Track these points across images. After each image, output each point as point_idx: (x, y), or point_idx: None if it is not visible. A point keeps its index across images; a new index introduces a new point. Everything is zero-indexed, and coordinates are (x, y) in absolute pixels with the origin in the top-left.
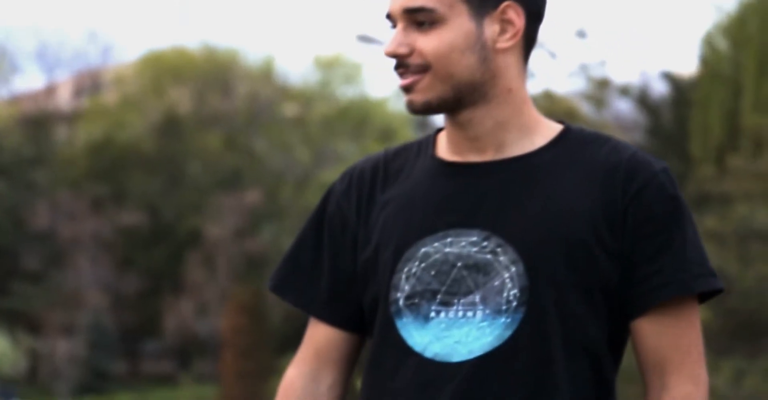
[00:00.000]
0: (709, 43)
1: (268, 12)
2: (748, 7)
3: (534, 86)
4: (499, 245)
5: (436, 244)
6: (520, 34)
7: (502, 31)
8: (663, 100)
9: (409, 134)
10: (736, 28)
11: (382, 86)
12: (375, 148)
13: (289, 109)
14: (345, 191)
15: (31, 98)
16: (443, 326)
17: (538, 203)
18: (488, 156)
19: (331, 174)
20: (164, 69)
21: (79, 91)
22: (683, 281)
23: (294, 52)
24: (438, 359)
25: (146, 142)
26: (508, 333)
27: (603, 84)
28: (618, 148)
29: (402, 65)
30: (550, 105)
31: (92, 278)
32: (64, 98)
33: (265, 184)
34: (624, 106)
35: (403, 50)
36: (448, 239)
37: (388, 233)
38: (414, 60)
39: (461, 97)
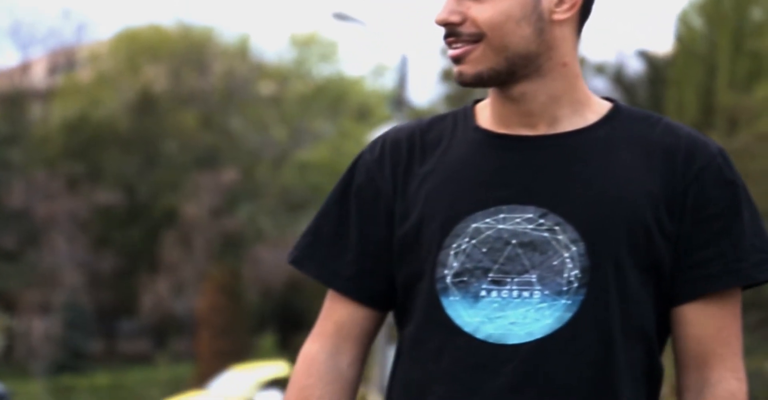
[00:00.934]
0: (684, 21)
1: None
2: None
3: None
4: (557, 224)
5: (488, 220)
6: (578, 5)
7: (560, 2)
8: (638, 79)
9: (385, 113)
10: (712, 7)
11: (358, 64)
12: (351, 127)
13: (265, 88)
14: (377, 161)
15: (5, 76)
16: (496, 305)
17: (596, 181)
18: (540, 131)
19: (308, 152)
20: (139, 47)
21: (53, 69)
22: (743, 270)
23: (270, 30)
24: (491, 340)
25: (121, 121)
26: (568, 315)
27: (578, 62)
28: (672, 127)
29: (453, 34)
30: None
31: (68, 257)
32: (38, 76)
33: (241, 163)
34: (599, 85)
35: (455, 18)
36: (501, 215)
37: (432, 206)
38: (466, 29)
39: (514, 70)
